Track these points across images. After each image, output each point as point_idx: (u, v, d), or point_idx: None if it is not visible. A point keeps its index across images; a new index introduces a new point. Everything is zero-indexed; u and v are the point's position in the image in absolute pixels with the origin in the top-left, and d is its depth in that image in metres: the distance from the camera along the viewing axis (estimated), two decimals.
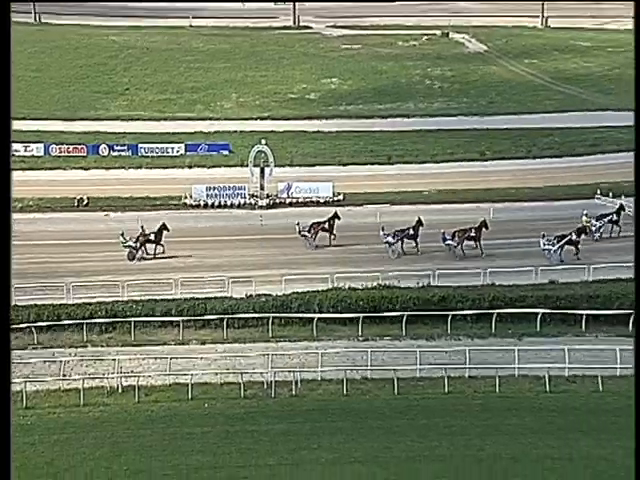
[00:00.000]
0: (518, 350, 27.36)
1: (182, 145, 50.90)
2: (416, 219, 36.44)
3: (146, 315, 29.93)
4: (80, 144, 50.94)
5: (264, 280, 32.53)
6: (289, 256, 35.91)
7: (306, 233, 36.58)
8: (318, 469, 21.92)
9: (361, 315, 29.87)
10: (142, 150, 50.46)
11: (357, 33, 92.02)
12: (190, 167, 48.76)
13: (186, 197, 42.93)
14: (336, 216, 37.44)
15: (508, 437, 23.30)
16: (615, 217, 38.01)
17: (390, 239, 35.86)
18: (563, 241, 35.08)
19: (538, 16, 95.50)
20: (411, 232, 36.27)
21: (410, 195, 43.24)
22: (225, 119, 57.62)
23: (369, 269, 33.55)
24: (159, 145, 51.00)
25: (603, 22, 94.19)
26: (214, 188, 43.19)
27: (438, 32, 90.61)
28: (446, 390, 26.13)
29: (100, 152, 50.18)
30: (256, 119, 57.36)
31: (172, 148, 50.79)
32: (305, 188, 43.50)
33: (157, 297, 31.11)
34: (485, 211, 40.06)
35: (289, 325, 30.18)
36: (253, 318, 30.09)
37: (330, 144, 52.70)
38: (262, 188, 43.27)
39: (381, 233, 36.07)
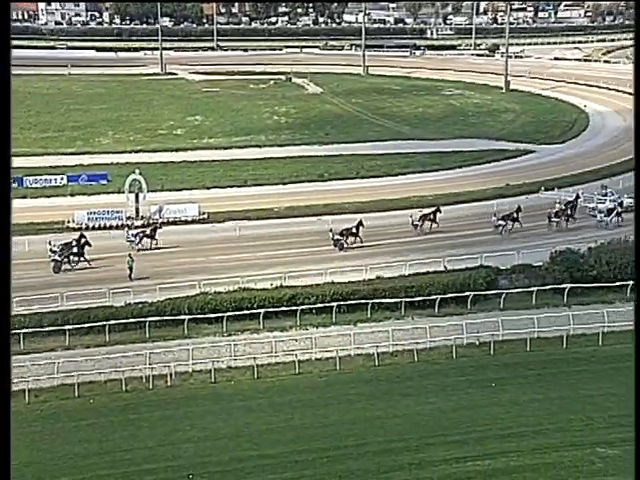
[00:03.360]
0: (354, 334, 28.05)
1: (64, 176, 48.41)
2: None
3: (34, 327, 28.18)
4: None
5: (141, 290, 31.50)
6: (164, 267, 34.91)
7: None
8: (192, 446, 21.51)
9: (225, 314, 29.61)
10: (27, 182, 47.52)
11: (215, 78, 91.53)
12: (72, 195, 46.41)
13: (69, 221, 40.87)
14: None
15: (347, 404, 23.84)
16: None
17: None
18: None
19: (361, 65, 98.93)
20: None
21: (264, 212, 43.23)
22: (103, 152, 55.50)
23: (232, 275, 33.25)
24: (43, 177, 48.25)
25: (410, 71, 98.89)
26: (94, 212, 41.37)
27: (283, 77, 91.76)
28: (297, 371, 26.36)
29: None
30: (130, 152, 55.60)
31: (55, 179, 48.16)
32: (175, 209, 42.56)
33: (43, 310, 29.34)
34: (325, 222, 40.74)
35: (164, 327, 29.37)
36: (132, 322, 29.06)
37: (195, 171, 51.88)
38: (137, 211, 41.97)
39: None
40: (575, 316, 28.98)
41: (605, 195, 42.16)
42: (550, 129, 64.52)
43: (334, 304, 30.52)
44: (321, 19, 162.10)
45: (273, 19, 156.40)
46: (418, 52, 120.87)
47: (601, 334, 28.18)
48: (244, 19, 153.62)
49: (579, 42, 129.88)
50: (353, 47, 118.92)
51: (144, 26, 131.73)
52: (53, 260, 34.40)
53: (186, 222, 41.66)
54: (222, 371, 26.25)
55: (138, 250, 36.92)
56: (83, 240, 35.42)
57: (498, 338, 28.13)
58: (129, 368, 25.60)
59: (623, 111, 71.93)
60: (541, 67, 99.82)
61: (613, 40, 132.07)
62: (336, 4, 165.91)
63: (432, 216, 39.62)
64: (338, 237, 37.41)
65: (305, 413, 23.37)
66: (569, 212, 40.47)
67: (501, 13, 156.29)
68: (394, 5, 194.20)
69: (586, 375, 25.67)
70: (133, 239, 37.33)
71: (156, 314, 29.41)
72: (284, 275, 32.93)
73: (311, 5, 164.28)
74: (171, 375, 25.58)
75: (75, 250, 34.96)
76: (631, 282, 31.31)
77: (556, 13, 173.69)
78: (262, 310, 29.89)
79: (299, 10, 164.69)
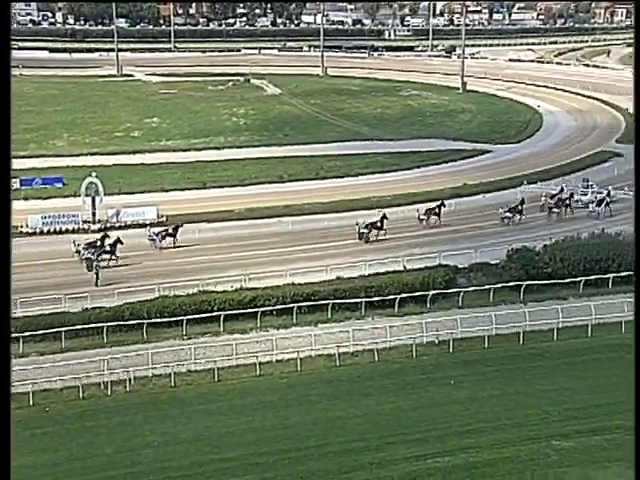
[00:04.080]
0: (314, 335, 28.08)
1: (17, 180, 47.27)
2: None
3: None
4: None
5: (100, 295, 30.97)
6: (132, 271, 34.39)
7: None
8: (151, 452, 21.25)
9: (185, 318, 29.33)
10: None
11: (173, 80, 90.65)
12: (26, 199, 45.33)
13: (22, 226, 39.93)
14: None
15: (308, 405, 23.87)
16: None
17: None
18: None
19: (319, 66, 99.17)
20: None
21: (223, 214, 42.91)
22: (58, 155, 54.42)
23: (191, 278, 32.94)
24: None
25: (369, 71, 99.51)
26: (49, 216, 40.51)
27: (241, 78, 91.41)
28: (258, 373, 26.27)
29: None
30: (86, 155, 54.65)
31: None
32: (132, 212, 41.94)
33: None
34: (286, 224, 40.73)
35: (122, 332, 28.93)
36: (90, 328, 28.55)
37: (153, 174, 51.27)
38: (94, 215, 41.25)
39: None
40: (531, 313, 29.54)
41: (587, 187, 43.86)
42: (505, 129, 65.67)
43: (295, 305, 30.51)
44: (279, 20, 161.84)
45: (231, 20, 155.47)
46: (376, 53, 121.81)
47: (556, 330, 28.79)
48: (201, 20, 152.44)
49: (532, 44, 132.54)
50: (311, 48, 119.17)
51: (99, 27, 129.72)
52: (86, 258, 34.37)
53: (144, 225, 41.10)
54: (182, 375, 25.98)
55: (160, 249, 37.10)
56: (114, 239, 35.68)
57: (457, 336, 28.50)
58: (85, 375, 25.13)
59: (574, 111, 73.82)
60: (496, 68, 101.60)
61: (565, 42, 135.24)
62: (294, 5, 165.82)
63: (437, 210, 40.79)
64: (364, 230, 38.09)
65: (266, 415, 23.31)
66: (567, 203, 41.90)
67: (457, 15, 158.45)
68: (352, 6, 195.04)
69: (541, 370, 26.18)
70: (155, 238, 37.54)
71: (114, 319, 28.96)
72: (245, 277, 32.78)
73: (269, 6, 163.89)
74: (130, 380, 25.21)
75: (108, 248, 35.28)
76: (583, 278, 32.13)
77: (510, 15, 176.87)
78: (222, 313, 29.70)
79: (257, 11, 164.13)
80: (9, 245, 12.23)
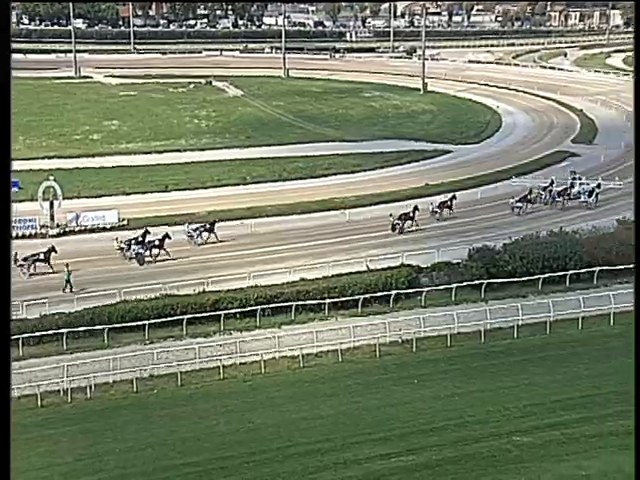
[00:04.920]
0: (278, 337, 28.03)
1: None
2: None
3: None
4: None
5: (56, 300, 30.41)
6: (85, 276, 33.81)
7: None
8: (113, 458, 20.94)
9: (147, 322, 28.99)
10: None
11: (133, 81, 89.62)
12: None
13: None
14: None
15: (272, 407, 23.81)
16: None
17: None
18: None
19: (281, 68, 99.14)
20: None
21: (185, 217, 42.45)
22: (13, 159, 53.18)
23: (155, 281, 32.58)
24: None
25: (331, 73, 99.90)
26: None
27: (203, 80, 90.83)
28: (222, 377, 26.13)
29: None
30: (44, 158, 53.59)
31: None
32: (92, 216, 41.29)
33: None
34: (247, 226, 40.57)
35: (82, 338, 28.46)
36: (48, 335, 28.03)
37: (114, 177, 50.57)
38: (52, 219, 40.46)
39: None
40: (492, 311, 29.94)
41: (574, 179, 45.75)
42: (466, 129, 66.56)
43: (258, 308, 30.43)
44: (241, 22, 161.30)
45: (192, 22, 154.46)
46: (338, 55, 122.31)
47: (516, 327, 29.26)
48: (162, 21, 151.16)
49: (491, 46, 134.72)
50: (273, 50, 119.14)
51: (55, 27, 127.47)
52: (137, 254, 35.41)
53: (105, 229, 40.53)
54: (144, 380, 25.67)
55: (199, 245, 37.55)
56: (163, 234, 36.24)
57: (420, 335, 28.74)
58: (45, 382, 24.64)
59: (531, 111, 75.27)
60: (456, 69, 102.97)
61: (522, 44, 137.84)
62: (255, 7, 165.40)
63: (449, 203, 42.09)
64: (397, 221, 39.43)
65: (230, 418, 23.18)
66: (568, 193, 43.95)
67: (417, 17, 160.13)
68: (313, 8, 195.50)
69: (502, 367, 26.59)
70: (193, 234, 37.93)
71: (74, 325, 28.48)
72: (207, 280, 32.56)
73: (230, 7, 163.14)
74: (90, 387, 24.81)
75: (157, 243, 36.00)
76: (542, 276, 32.73)
77: (469, 17, 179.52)
78: (185, 316, 29.46)
79: (218, 13, 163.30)
80: (9, 248, 12.01)
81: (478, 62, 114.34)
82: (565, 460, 20.42)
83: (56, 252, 34.75)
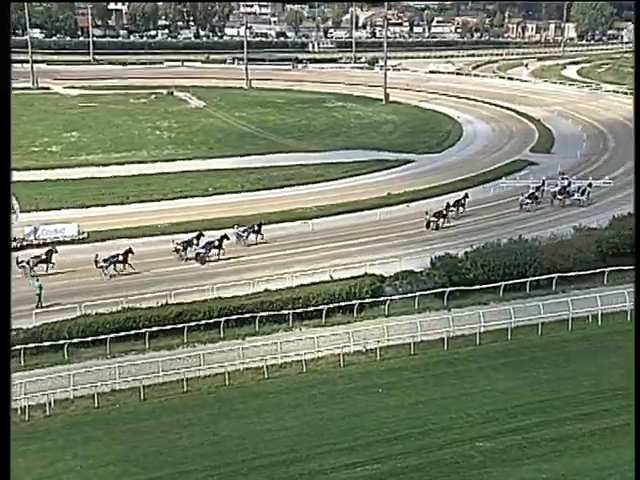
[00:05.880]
0: (242, 348, 27.94)
1: None
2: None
3: None
4: None
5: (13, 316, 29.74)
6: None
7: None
8: (73, 476, 20.59)
9: (108, 336, 28.63)
10: None
11: (93, 93, 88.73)
12: None
13: None
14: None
15: (236, 420, 23.72)
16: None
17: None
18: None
19: (244, 79, 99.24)
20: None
21: (146, 229, 42.25)
22: None
23: (113, 295, 32.22)
24: None
25: (293, 83, 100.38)
26: None
27: (164, 91, 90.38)
28: (185, 390, 25.93)
29: None
30: None
31: None
32: (51, 230, 40.63)
33: None
34: (208, 237, 40.28)
35: (41, 353, 27.95)
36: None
37: (73, 189, 49.89)
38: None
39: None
40: (454, 318, 30.35)
41: (564, 180, 48.05)
42: (428, 139, 67.47)
43: (222, 319, 30.30)
44: (202, 33, 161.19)
45: (153, 32, 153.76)
46: (300, 65, 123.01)
47: (478, 334, 29.70)
48: (122, 32, 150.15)
49: (451, 56, 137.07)
50: (235, 61, 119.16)
51: (12, 37, 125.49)
52: (197, 254, 37.01)
53: (64, 242, 39.91)
54: (106, 395, 25.33)
55: (248, 245, 39.21)
56: (221, 235, 37.74)
57: (384, 344, 28.97)
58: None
59: (491, 121, 76.73)
60: (417, 80, 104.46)
61: (481, 55, 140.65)
62: (217, 18, 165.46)
63: (463, 201, 44.57)
64: (433, 219, 41.75)
65: (194, 431, 23.01)
66: (568, 191, 46.25)
67: (379, 28, 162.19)
68: (275, 19, 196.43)
69: (465, 374, 26.94)
70: (242, 235, 39.42)
71: (32, 340, 27.97)
72: (170, 292, 32.32)
73: (192, 18, 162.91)
74: (50, 404, 24.36)
75: (216, 244, 37.42)
76: (503, 283, 33.32)
77: (430, 29, 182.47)
78: (148, 329, 29.18)
79: (180, 23, 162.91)
80: (9, 252, 11.78)
81: (439, 72, 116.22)
82: (526, 464, 20.81)
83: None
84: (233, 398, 25.29)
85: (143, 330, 29.23)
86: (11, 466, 10.78)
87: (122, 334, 28.98)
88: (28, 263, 35.16)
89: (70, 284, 34.19)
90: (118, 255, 35.74)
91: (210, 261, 37.45)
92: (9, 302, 10.52)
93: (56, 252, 36.18)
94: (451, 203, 43.78)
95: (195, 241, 37.69)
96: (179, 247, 37.32)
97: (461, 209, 44.50)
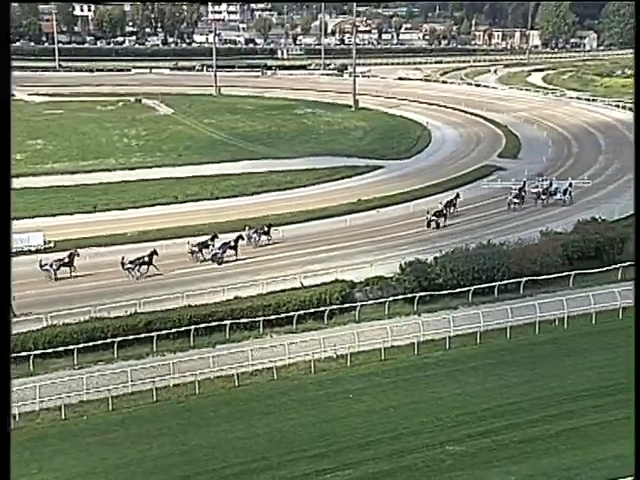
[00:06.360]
0: (212, 356, 27.80)
1: None
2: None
3: None
4: None
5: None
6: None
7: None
8: None
9: (75, 347, 28.25)
10: None
11: (58, 100, 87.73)
12: None
13: None
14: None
15: (207, 428, 23.59)
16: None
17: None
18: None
19: (213, 85, 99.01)
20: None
21: (116, 237, 41.83)
22: None
23: (81, 305, 31.81)
24: None
25: (262, 91, 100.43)
26: None
27: (132, 98, 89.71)
28: (155, 399, 25.70)
29: None
30: None
31: None
32: (17, 239, 39.89)
33: None
34: (181, 245, 40.09)
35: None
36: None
37: (39, 198, 49.22)
38: None
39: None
40: (424, 323, 30.62)
41: (543, 181, 50.20)
42: (397, 145, 68.03)
43: (192, 327, 30.12)
44: (170, 39, 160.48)
45: (120, 39, 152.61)
46: (269, 72, 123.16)
47: (448, 338, 30.00)
48: (88, 38, 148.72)
49: (419, 63, 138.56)
50: (204, 67, 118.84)
51: None
52: (213, 254, 38.03)
53: (30, 252, 39.30)
54: (73, 406, 24.99)
55: (259, 246, 40.25)
56: (237, 236, 38.91)
57: (354, 350, 29.08)
58: None
59: (459, 127, 77.72)
60: (386, 86, 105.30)
61: (449, 62, 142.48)
62: (185, 24, 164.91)
63: (454, 201, 45.90)
64: (433, 217, 43.26)
65: (164, 441, 22.82)
66: (550, 192, 48.17)
67: (348, 34, 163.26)
68: (244, 25, 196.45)
69: (434, 378, 27.19)
70: (252, 235, 40.27)
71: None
72: (139, 301, 32.04)
73: (160, 25, 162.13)
74: (14, 417, 23.94)
75: (232, 244, 38.45)
76: (472, 287, 33.71)
77: (398, 36, 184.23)
78: (116, 339, 28.88)
79: (147, 30, 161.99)
80: (9, 251, 11.67)
81: (408, 79, 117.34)
82: (495, 466, 21.07)
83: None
84: (203, 407, 25.14)
85: (112, 339, 28.91)
86: (11, 467, 10.69)
87: (90, 344, 28.61)
88: (51, 266, 35.71)
89: (34, 294, 33.67)
90: (144, 257, 36.18)
91: (178, 269, 37.21)
92: (9, 304, 10.51)
93: (78, 255, 36.67)
94: (444, 203, 45.08)
95: (210, 242, 38.69)
96: (194, 249, 38.16)
97: (452, 209, 45.71)
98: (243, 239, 39.35)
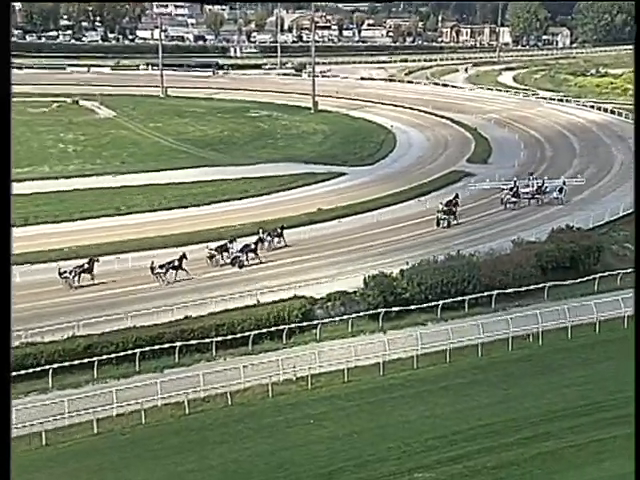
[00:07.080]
0: (161, 382, 27.58)
1: None
2: None
3: None
4: None
5: None
6: None
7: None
8: None
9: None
10: None
11: None
12: None
13: None
14: None
15: (153, 461, 23.39)
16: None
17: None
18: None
19: (159, 86, 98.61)
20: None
21: (50, 253, 41.16)
22: None
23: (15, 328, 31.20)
24: None
25: (213, 92, 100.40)
26: None
27: (68, 100, 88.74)
28: (95, 432, 25.37)
29: None
30: None
31: None
32: None
33: None
34: (125, 261, 39.73)
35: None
36: None
37: None
38: None
39: None
40: (390, 341, 30.94)
41: (534, 180, 52.69)
42: (360, 150, 68.69)
43: (137, 351, 29.86)
44: (111, 35, 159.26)
45: (53, 33, 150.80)
46: (221, 71, 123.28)
47: (415, 357, 30.36)
48: (17, 32, 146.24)
49: (383, 62, 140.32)
50: (149, 66, 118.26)
51: None
52: (234, 257, 39.63)
53: None
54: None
55: (273, 249, 41.95)
56: (257, 238, 40.90)
57: (315, 371, 29.20)
58: None
59: (426, 130, 78.95)
60: (348, 87, 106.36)
61: (414, 60, 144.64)
62: (127, 19, 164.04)
63: (455, 202, 47.65)
64: (443, 216, 45.65)
65: (105, 477, 22.55)
66: (544, 191, 51.04)
67: (306, 31, 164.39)
68: (193, 21, 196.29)
69: (402, 400, 27.48)
70: (266, 239, 41.81)
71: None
72: (77, 323, 31.64)
73: (99, 19, 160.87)
74: None
75: (253, 247, 40.34)
76: (440, 302, 34.17)
77: (360, 32, 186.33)
78: (52, 366, 28.43)
79: (85, 24, 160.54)
80: (9, 258, 11.50)
81: (371, 79, 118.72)
82: None
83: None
84: (150, 438, 24.93)
85: (46, 367, 28.43)
86: (11, 467, 10.54)
87: (20, 373, 28.03)
88: (71, 273, 36.85)
89: None
90: (174, 261, 37.56)
91: (123, 287, 36.87)
92: (9, 310, 10.48)
93: (97, 261, 38.01)
94: (444, 204, 47.07)
95: (230, 245, 40.13)
96: (214, 252, 39.63)
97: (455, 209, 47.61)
98: (263, 242, 41.17)
